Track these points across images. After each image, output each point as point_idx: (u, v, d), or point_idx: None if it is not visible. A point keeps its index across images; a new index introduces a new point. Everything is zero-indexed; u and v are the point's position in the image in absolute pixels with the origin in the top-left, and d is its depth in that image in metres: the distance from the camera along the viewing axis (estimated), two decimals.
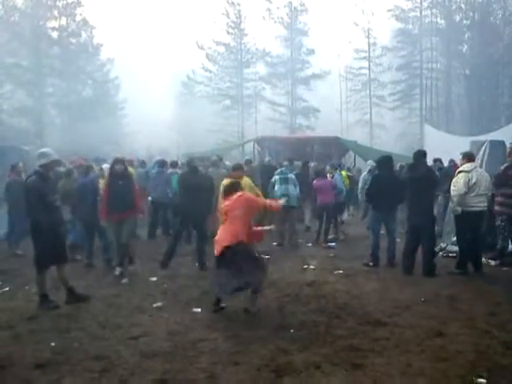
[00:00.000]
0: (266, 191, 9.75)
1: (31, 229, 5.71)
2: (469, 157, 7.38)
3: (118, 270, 7.15)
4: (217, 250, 5.31)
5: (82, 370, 3.94)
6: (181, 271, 7.45)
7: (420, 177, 7.16)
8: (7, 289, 6.55)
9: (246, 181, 7.77)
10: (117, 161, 7.39)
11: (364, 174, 11.35)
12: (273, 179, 9.84)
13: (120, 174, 7.25)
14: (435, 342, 4.44)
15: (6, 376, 3.91)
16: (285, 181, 9.63)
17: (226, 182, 6.55)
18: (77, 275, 6.70)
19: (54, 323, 5.11)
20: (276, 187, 9.62)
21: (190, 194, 7.69)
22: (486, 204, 7.18)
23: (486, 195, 7.16)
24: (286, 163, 13.76)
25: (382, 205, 7.75)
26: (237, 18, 40.58)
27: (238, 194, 5.51)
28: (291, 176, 9.88)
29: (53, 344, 4.48)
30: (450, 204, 7.38)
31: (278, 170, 10.19)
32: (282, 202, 6.46)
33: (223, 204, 5.61)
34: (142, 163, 13.33)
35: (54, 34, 35.44)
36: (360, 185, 11.06)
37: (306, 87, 40.68)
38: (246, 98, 40.82)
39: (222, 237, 5.35)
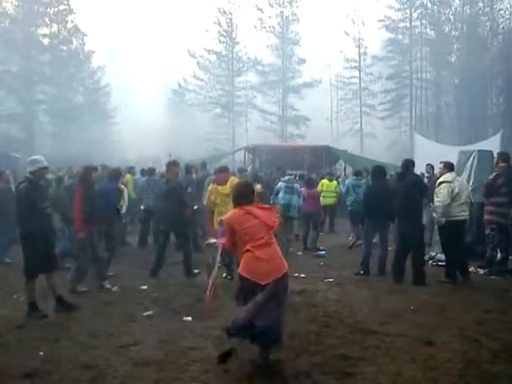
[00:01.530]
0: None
1: (20, 236, 5.66)
2: (449, 167, 7.48)
3: (108, 284, 6.92)
4: (263, 278, 4.00)
5: (72, 380, 3.91)
6: (171, 280, 7.43)
7: (408, 185, 7.24)
8: None
9: (232, 181, 7.35)
10: (93, 168, 7.13)
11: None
12: (278, 185, 9.77)
13: (94, 182, 7.09)
14: (425, 350, 4.46)
15: None
16: (290, 190, 9.46)
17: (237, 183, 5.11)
18: (67, 284, 6.65)
19: (42, 332, 5.06)
20: (280, 195, 9.48)
21: (163, 201, 7.67)
22: (467, 213, 7.32)
23: (467, 204, 7.31)
24: (274, 169, 13.91)
25: (376, 214, 7.79)
26: (228, 26, 40.85)
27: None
28: (297, 186, 9.70)
29: (41, 353, 4.44)
30: (434, 215, 7.43)
31: (286, 178, 10.02)
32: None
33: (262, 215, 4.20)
34: (142, 171, 13.25)
35: (45, 41, 35.45)
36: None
37: (296, 96, 40.98)
38: (237, 106, 41.00)
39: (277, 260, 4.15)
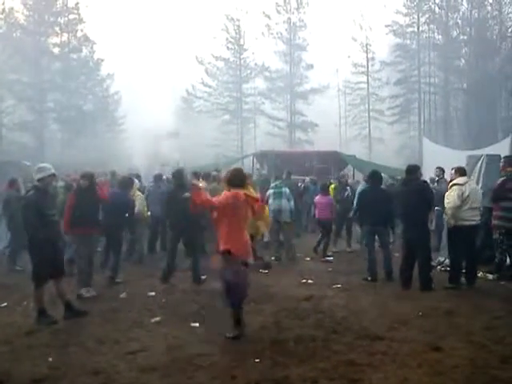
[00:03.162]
0: None
1: (29, 243, 5.73)
2: (461, 171, 7.50)
3: (85, 291, 6.86)
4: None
5: None
6: (179, 286, 7.45)
7: (413, 191, 7.24)
8: (5, 304, 6.55)
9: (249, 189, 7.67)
10: (83, 176, 7.19)
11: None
12: (267, 193, 9.88)
13: (85, 188, 7.09)
14: (432, 356, 4.44)
15: None
16: (278, 195, 9.63)
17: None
18: (74, 290, 6.71)
19: (51, 338, 5.11)
20: (270, 201, 9.66)
21: (177, 209, 7.58)
22: (479, 218, 7.29)
23: (478, 209, 7.28)
24: (284, 176, 13.80)
25: (371, 218, 7.84)
26: (236, 33, 41.05)
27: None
28: (285, 190, 9.80)
29: (50, 359, 4.48)
30: (444, 216, 7.44)
31: (273, 184, 10.20)
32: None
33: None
34: (137, 177, 13.28)
35: (56, 50, 35.90)
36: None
37: (304, 102, 40.96)
38: (245, 112, 41.10)
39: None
